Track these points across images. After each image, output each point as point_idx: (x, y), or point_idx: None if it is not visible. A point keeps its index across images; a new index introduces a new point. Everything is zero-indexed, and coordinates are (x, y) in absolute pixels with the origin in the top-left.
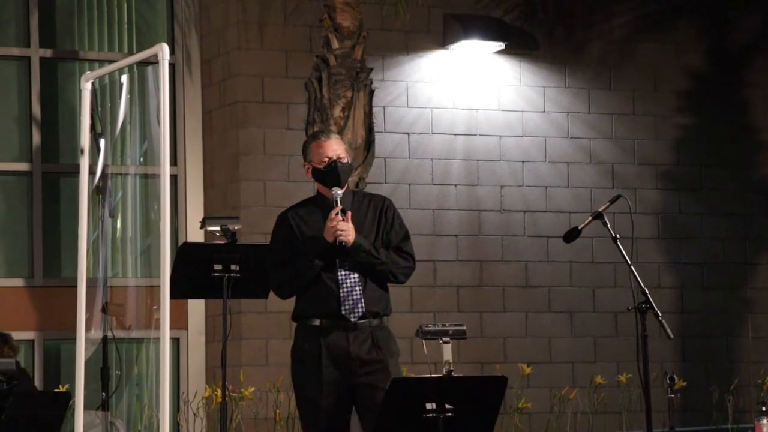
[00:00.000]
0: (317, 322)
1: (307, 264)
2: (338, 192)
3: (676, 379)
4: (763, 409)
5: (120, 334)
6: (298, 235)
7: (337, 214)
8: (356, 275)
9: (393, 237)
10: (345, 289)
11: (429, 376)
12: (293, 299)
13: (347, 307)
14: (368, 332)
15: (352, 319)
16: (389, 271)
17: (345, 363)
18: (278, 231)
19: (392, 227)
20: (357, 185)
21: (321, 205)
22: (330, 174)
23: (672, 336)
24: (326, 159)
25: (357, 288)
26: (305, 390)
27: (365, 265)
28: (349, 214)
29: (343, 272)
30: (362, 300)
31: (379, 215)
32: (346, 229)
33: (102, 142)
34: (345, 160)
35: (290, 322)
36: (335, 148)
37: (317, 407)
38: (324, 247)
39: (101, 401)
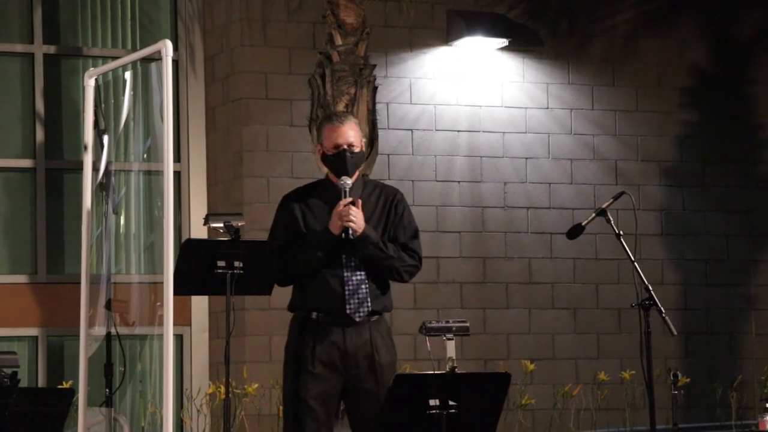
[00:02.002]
0: (314, 315)
1: (308, 255)
2: (347, 182)
3: (679, 375)
4: (767, 405)
5: (123, 330)
6: (301, 222)
7: (345, 205)
8: (362, 273)
9: (401, 233)
10: (350, 288)
11: (432, 372)
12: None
13: (352, 306)
14: (366, 328)
15: (357, 319)
16: (395, 268)
17: (340, 361)
18: (280, 215)
19: (401, 222)
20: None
21: (327, 192)
22: (338, 162)
23: (675, 332)
24: (336, 146)
25: (363, 286)
26: (295, 384)
27: (371, 260)
28: (359, 202)
29: (348, 268)
30: (368, 299)
31: (388, 207)
32: (356, 216)
33: (105, 139)
34: (357, 149)
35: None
36: (348, 134)
37: (304, 405)
38: (328, 239)
39: (105, 398)
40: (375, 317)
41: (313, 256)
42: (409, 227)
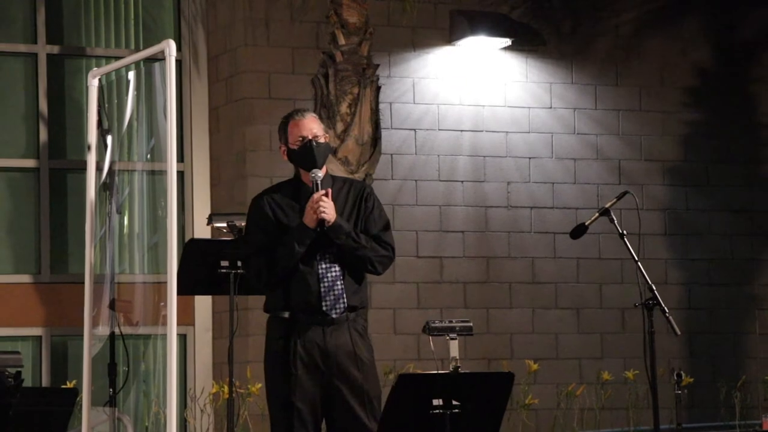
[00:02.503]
0: (291, 315)
1: (286, 251)
2: (318, 174)
3: (683, 375)
4: None
5: (127, 330)
6: (274, 221)
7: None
8: (337, 268)
9: (372, 225)
10: (326, 284)
11: (436, 372)
12: None
13: (328, 302)
14: (345, 326)
15: (333, 315)
16: (368, 258)
17: (321, 360)
18: (253, 215)
19: (371, 215)
20: (364, 181)
21: (297, 190)
22: (305, 154)
23: (679, 332)
24: (300, 138)
25: (338, 282)
26: (278, 388)
27: (345, 250)
28: (329, 191)
29: (323, 265)
30: (344, 295)
31: (359, 201)
32: (327, 206)
33: (109, 139)
34: (322, 140)
35: None
36: (311, 126)
37: (291, 409)
38: (304, 234)
39: (108, 397)
40: (352, 314)
41: (291, 252)
42: (379, 219)
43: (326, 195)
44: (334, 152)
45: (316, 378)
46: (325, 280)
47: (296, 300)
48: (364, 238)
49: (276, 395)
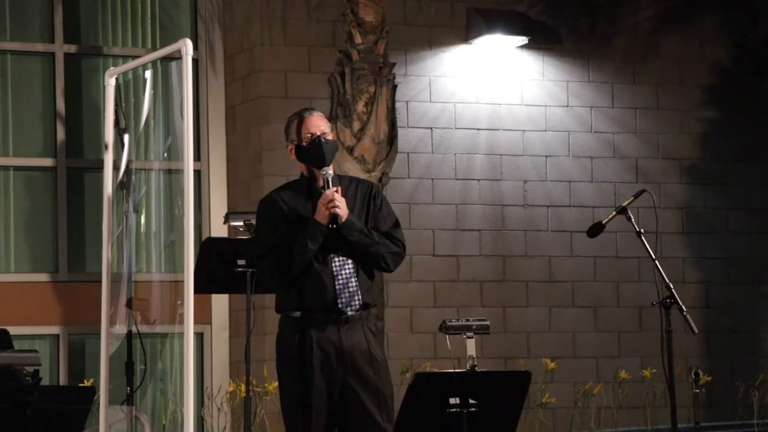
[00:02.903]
0: (306, 315)
1: (299, 248)
2: (329, 172)
3: (700, 374)
4: None
5: (144, 328)
6: (285, 220)
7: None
8: (351, 264)
9: (382, 223)
10: (341, 281)
11: (452, 371)
12: None
13: (344, 299)
14: (359, 325)
15: (349, 312)
16: (380, 255)
17: (336, 359)
18: (264, 215)
19: (380, 212)
20: (380, 180)
21: (306, 188)
22: (314, 151)
23: (696, 331)
24: (308, 135)
25: (353, 279)
26: (293, 387)
27: (357, 247)
28: (340, 188)
29: (337, 262)
30: (359, 292)
31: (367, 200)
32: (340, 202)
33: (126, 138)
34: (330, 137)
35: None
36: (319, 124)
37: (306, 408)
38: (317, 230)
39: (126, 396)
40: (365, 313)
41: (305, 250)
42: (389, 217)
43: (337, 192)
44: (351, 151)
45: (331, 377)
46: (340, 277)
47: (311, 298)
48: (376, 235)
49: (291, 394)
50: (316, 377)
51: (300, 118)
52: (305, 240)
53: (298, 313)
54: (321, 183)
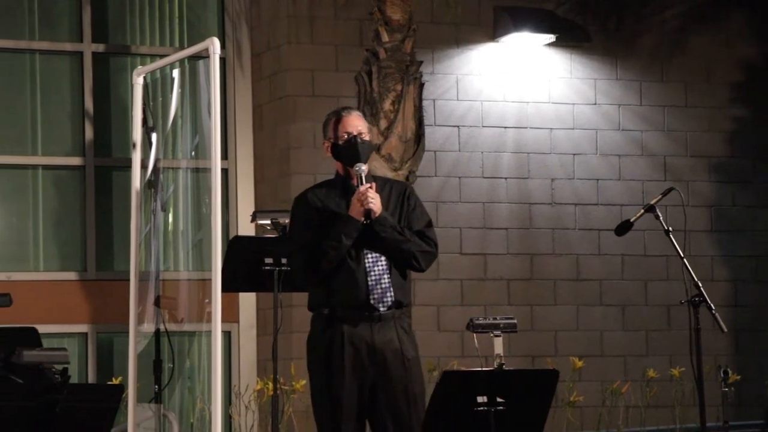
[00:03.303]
0: (338, 312)
1: (333, 244)
2: (363, 168)
3: (729, 372)
4: None
5: (172, 327)
6: (320, 216)
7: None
8: (384, 261)
9: (415, 222)
10: (373, 277)
11: (480, 369)
12: None
13: (376, 295)
14: (392, 324)
15: (381, 309)
16: (412, 253)
17: (368, 357)
18: (298, 213)
19: (414, 212)
20: (407, 178)
21: (340, 186)
22: (349, 149)
23: (725, 329)
24: (345, 134)
25: (385, 275)
26: (324, 385)
27: (389, 244)
28: (374, 184)
29: (370, 258)
30: (391, 289)
31: (401, 200)
32: (375, 198)
33: (153, 136)
34: (366, 137)
35: None
36: (356, 123)
37: (337, 404)
38: (351, 226)
39: (154, 394)
40: (398, 311)
41: (339, 246)
42: (422, 217)
43: (371, 188)
44: (378, 149)
45: (361, 374)
46: (372, 273)
47: (343, 295)
48: (409, 233)
49: (321, 391)
50: (347, 374)
51: (338, 116)
52: (339, 235)
53: (329, 311)
54: (355, 181)
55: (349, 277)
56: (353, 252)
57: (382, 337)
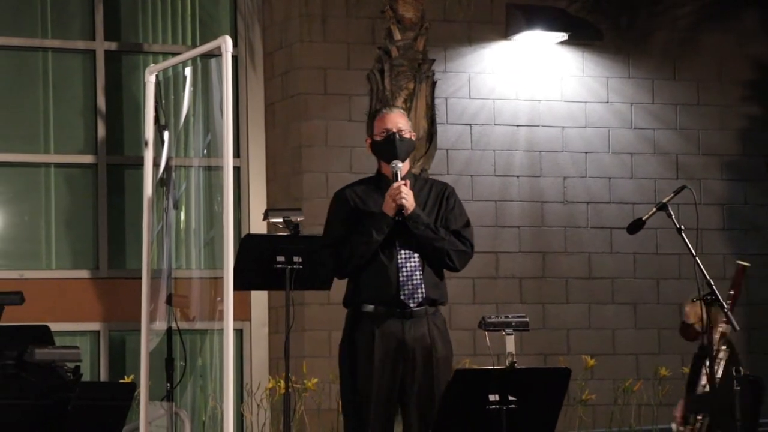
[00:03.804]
0: (371, 308)
1: (364, 239)
2: (398, 164)
3: (742, 371)
4: None
5: (184, 325)
6: (355, 212)
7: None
8: (416, 258)
9: (453, 221)
10: (405, 273)
11: (492, 367)
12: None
13: (407, 291)
14: (424, 320)
15: (411, 305)
16: (446, 251)
17: (398, 352)
18: (335, 208)
19: (452, 212)
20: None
21: (380, 184)
22: (387, 146)
23: (738, 328)
24: (385, 131)
25: (417, 272)
26: (354, 379)
27: (423, 241)
28: (408, 182)
29: (403, 254)
30: (422, 285)
31: (440, 200)
32: (407, 194)
33: (166, 135)
34: (406, 135)
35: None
36: (396, 121)
37: (366, 398)
38: (383, 222)
39: (166, 392)
40: (432, 309)
41: (369, 240)
42: (460, 217)
43: (405, 184)
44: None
45: (392, 371)
46: (404, 269)
47: (374, 290)
48: (443, 231)
49: (350, 386)
50: (375, 369)
51: (380, 113)
52: (370, 230)
53: (364, 307)
54: (392, 178)
55: (380, 273)
56: (386, 249)
57: (414, 333)
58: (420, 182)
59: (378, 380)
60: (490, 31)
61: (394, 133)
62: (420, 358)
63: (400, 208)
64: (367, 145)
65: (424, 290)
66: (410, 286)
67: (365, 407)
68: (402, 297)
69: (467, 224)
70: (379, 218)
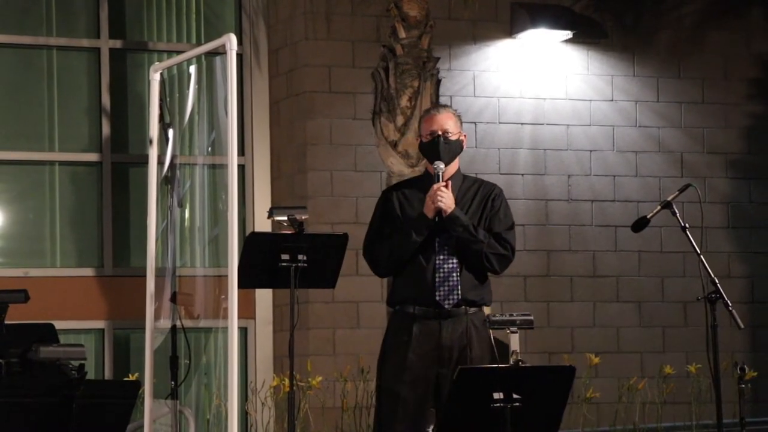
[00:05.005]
0: (411, 309)
1: (403, 239)
2: (440, 166)
3: (746, 369)
4: None
5: (188, 323)
6: (398, 211)
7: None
8: (455, 260)
9: (496, 224)
10: (442, 274)
11: (496, 365)
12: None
13: (442, 293)
14: (463, 320)
15: (447, 306)
16: (485, 254)
17: (434, 352)
18: (379, 206)
19: (497, 214)
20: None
21: (425, 184)
22: (431, 147)
23: (742, 326)
24: (431, 132)
25: (454, 274)
26: (387, 377)
27: (461, 243)
28: (449, 183)
29: (441, 256)
30: (459, 286)
31: (486, 201)
32: (445, 196)
33: (170, 133)
34: (453, 137)
35: (357, 311)
36: (443, 122)
37: (397, 397)
38: (422, 223)
39: (170, 390)
40: (473, 309)
41: (408, 240)
42: (504, 219)
43: (446, 186)
44: (394, 145)
45: (427, 371)
46: (441, 271)
47: (413, 291)
48: (483, 234)
49: (384, 383)
50: (411, 369)
51: (428, 114)
52: (409, 231)
53: (405, 308)
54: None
55: (418, 274)
56: (425, 250)
57: (452, 333)
58: (468, 182)
59: (410, 382)
60: (494, 29)
61: (439, 136)
62: (456, 358)
63: (439, 209)
64: (419, 145)
65: (460, 292)
66: (446, 288)
67: (396, 408)
68: (437, 298)
69: (511, 227)
70: (418, 220)
